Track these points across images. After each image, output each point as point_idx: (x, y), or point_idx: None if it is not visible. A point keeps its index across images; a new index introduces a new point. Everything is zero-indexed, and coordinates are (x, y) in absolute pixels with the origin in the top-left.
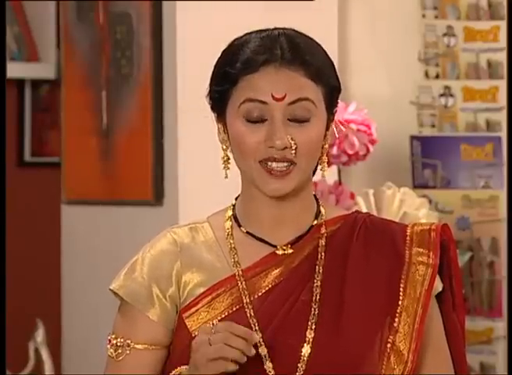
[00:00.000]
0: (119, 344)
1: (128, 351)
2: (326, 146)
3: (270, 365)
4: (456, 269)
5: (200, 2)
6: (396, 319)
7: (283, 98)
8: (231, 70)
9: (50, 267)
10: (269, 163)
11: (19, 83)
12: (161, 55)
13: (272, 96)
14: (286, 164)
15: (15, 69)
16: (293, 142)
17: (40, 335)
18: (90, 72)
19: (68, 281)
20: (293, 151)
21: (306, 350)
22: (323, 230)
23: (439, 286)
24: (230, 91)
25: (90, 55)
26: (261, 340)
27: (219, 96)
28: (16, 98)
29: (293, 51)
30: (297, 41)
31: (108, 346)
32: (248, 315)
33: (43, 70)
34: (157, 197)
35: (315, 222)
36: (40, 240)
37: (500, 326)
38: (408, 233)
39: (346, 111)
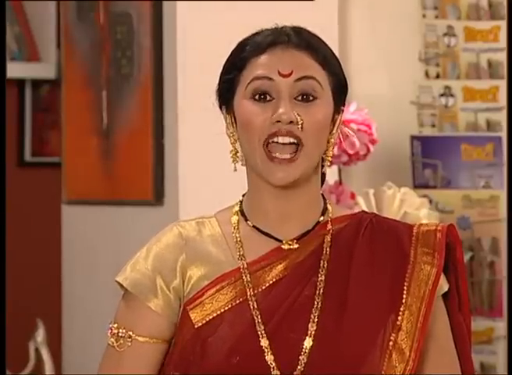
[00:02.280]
0: (120, 334)
1: (129, 343)
2: (332, 141)
3: (271, 357)
4: (462, 270)
5: (200, 2)
6: (400, 318)
7: (290, 75)
8: (240, 55)
9: (50, 267)
10: (275, 139)
11: (20, 83)
12: (162, 55)
13: (279, 72)
14: (292, 140)
15: (15, 69)
16: (299, 117)
17: (40, 335)
18: (91, 72)
19: (68, 281)
20: (299, 126)
21: (308, 343)
22: (329, 227)
23: (444, 286)
24: (238, 76)
25: (91, 55)
26: (263, 332)
27: (228, 85)
28: (17, 98)
29: (300, 37)
30: (303, 32)
31: (109, 335)
32: (251, 307)
33: (43, 70)
34: (157, 197)
35: (322, 218)
36: (40, 240)
37: (501, 326)
38: (414, 234)
39: (346, 111)
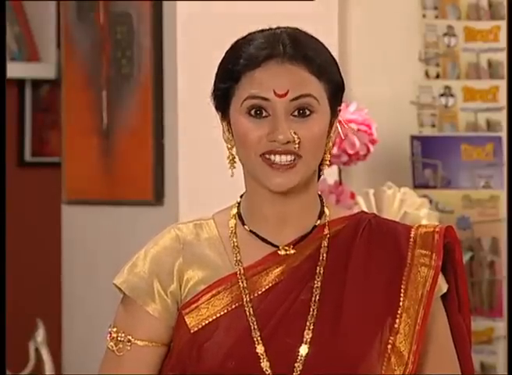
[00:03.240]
0: (119, 338)
1: (128, 348)
2: (330, 144)
3: (267, 363)
4: (461, 271)
5: (200, 2)
6: (397, 320)
7: (286, 95)
8: (234, 67)
9: (50, 267)
10: (272, 156)
11: (20, 83)
12: (162, 55)
13: (275, 92)
14: (289, 157)
15: (15, 69)
16: (296, 136)
17: (40, 335)
18: (91, 72)
19: (68, 281)
20: (297, 146)
21: (303, 350)
22: (326, 231)
23: (443, 287)
24: (233, 88)
25: (91, 55)
26: (259, 338)
27: (223, 94)
28: (17, 98)
29: (295, 46)
30: (299, 38)
31: (109, 339)
32: (247, 313)
33: (43, 70)
34: (157, 197)
35: (318, 222)
36: (40, 240)
37: (501, 326)
38: (412, 235)
39: (346, 111)
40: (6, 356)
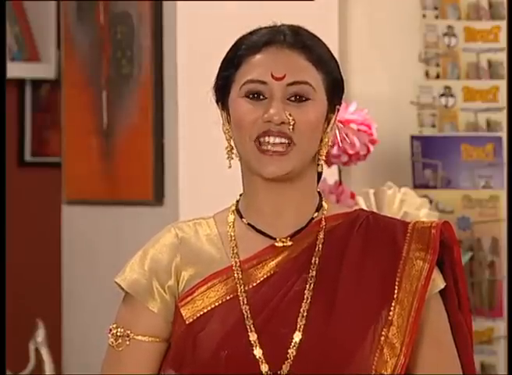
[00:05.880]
0: (119, 334)
1: (128, 342)
2: (326, 140)
3: (260, 351)
4: (460, 270)
5: (200, 2)
6: (391, 312)
7: (283, 78)
8: (235, 54)
9: (50, 267)
10: (266, 138)
11: (20, 83)
12: (162, 55)
13: (272, 75)
14: (283, 140)
15: (15, 69)
16: (291, 118)
17: (40, 335)
18: (91, 72)
19: (68, 281)
20: (291, 127)
21: (297, 337)
22: (323, 224)
23: (440, 283)
24: (234, 74)
25: (91, 55)
26: (252, 326)
27: (224, 82)
28: (17, 98)
29: (296, 36)
30: (300, 31)
31: (109, 335)
32: (241, 302)
33: (43, 70)
34: (157, 197)
35: (316, 215)
36: (40, 240)
37: (501, 326)
38: (409, 230)
39: (346, 111)
40: (6, 356)
